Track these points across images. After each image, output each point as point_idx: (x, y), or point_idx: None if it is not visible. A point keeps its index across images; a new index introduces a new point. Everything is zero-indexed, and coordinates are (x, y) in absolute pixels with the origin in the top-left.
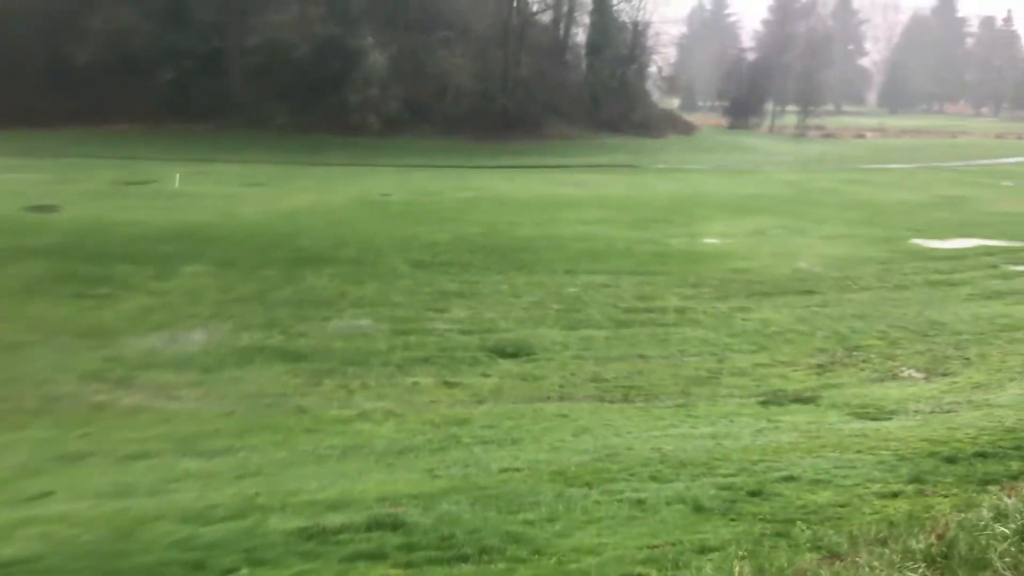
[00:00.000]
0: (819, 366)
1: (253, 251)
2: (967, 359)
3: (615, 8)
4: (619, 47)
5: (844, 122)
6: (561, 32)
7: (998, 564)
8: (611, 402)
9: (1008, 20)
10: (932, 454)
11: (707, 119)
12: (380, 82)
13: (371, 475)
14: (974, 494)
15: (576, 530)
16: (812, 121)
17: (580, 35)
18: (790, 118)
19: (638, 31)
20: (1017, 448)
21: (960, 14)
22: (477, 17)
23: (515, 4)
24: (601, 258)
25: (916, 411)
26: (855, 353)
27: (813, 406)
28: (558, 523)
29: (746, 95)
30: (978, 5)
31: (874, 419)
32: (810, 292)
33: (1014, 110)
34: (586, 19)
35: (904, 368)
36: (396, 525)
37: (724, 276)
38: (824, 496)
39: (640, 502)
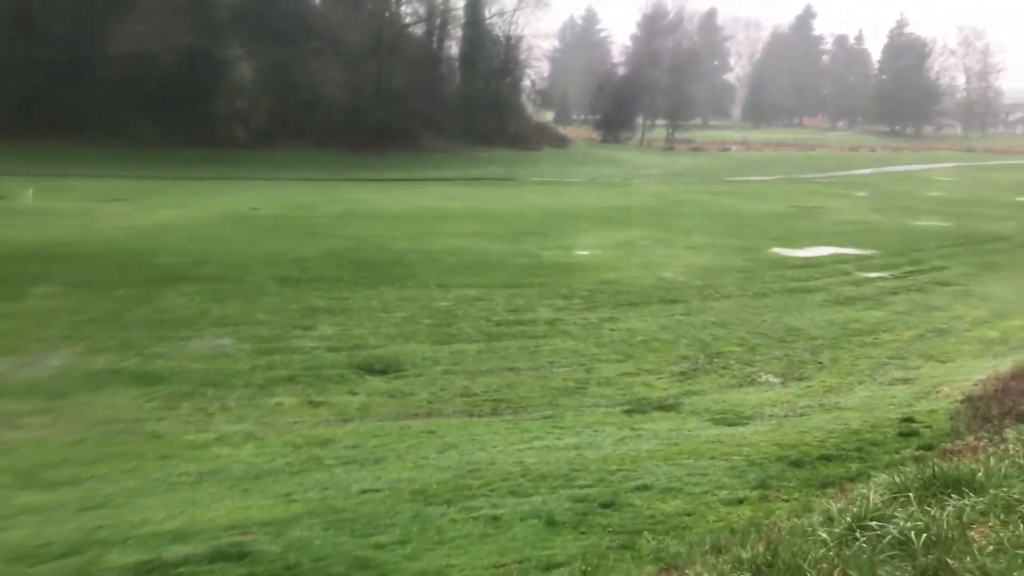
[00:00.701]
0: (682, 373)
1: (109, 270)
2: (820, 363)
3: (487, 21)
4: (492, 60)
5: (711, 135)
6: (435, 44)
7: (811, 573)
8: (480, 416)
9: (860, 38)
10: (781, 458)
11: (580, 132)
12: (248, 93)
13: (224, 502)
14: (814, 497)
15: (426, 552)
16: (681, 135)
17: (454, 48)
18: (660, 132)
19: (511, 45)
20: (859, 450)
21: (816, 32)
22: (349, 29)
23: (387, 16)
24: (475, 271)
25: (771, 415)
26: (716, 360)
27: (675, 413)
28: (410, 545)
29: (617, 109)
30: (833, 24)
31: (731, 424)
32: (675, 301)
33: (867, 124)
34: (459, 32)
35: (762, 373)
36: (241, 555)
37: (594, 287)
38: (673, 505)
39: (495, 519)
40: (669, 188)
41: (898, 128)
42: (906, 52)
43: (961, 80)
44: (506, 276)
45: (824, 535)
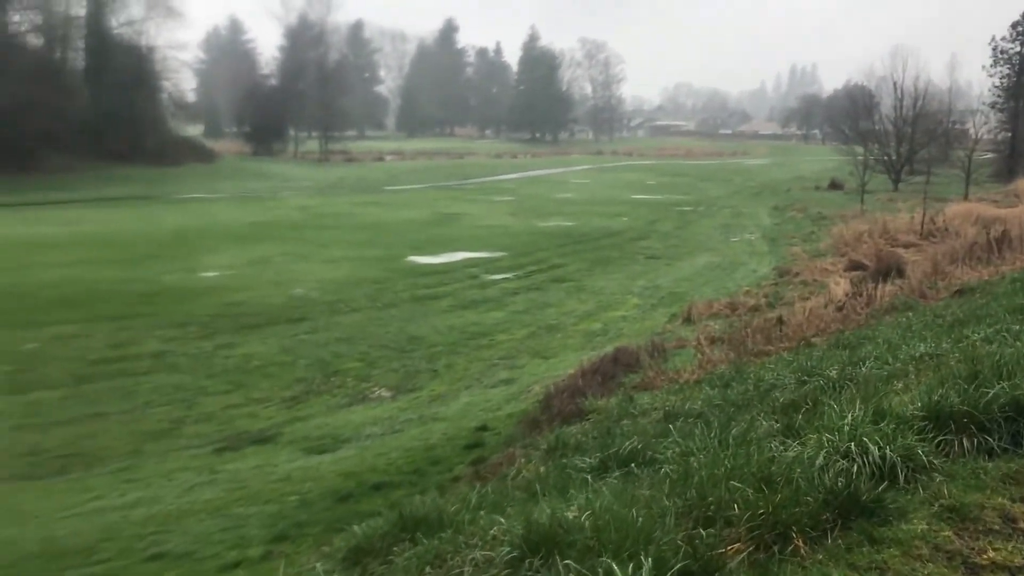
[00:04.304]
0: (293, 398)
1: None
2: (435, 371)
3: (115, 31)
4: (123, 72)
5: (366, 146)
6: (56, 55)
7: None
8: (41, 479)
9: (499, 51)
10: (334, 492)
11: (232, 146)
12: None
13: None
14: (321, 545)
15: None
16: (335, 146)
17: (80, 60)
18: (313, 144)
19: (143, 55)
20: (416, 471)
21: (460, 45)
22: None
23: None
24: (77, 305)
25: (369, 435)
26: (333, 379)
27: (271, 445)
28: None
29: (267, 121)
30: (474, 36)
31: (322, 452)
32: (301, 319)
33: (511, 132)
34: (82, 43)
35: (376, 388)
36: None
37: (216, 311)
38: None
39: None
40: (317, 201)
41: (538, 135)
42: (539, 64)
43: (589, 89)
44: (114, 308)
45: None
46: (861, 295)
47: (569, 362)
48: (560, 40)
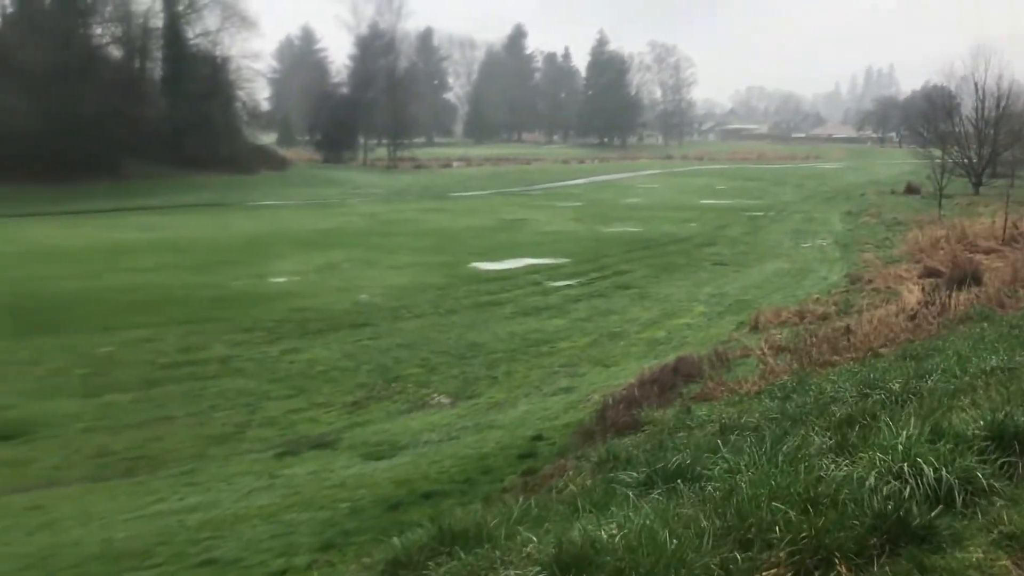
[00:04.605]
0: (354, 404)
1: None
2: (495, 378)
3: (191, 42)
4: (198, 82)
5: (434, 153)
6: (136, 66)
7: None
8: (109, 480)
9: (567, 56)
10: (386, 501)
11: (304, 154)
12: None
13: None
14: (362, 557)
15: None
16: (403, 153)
17: (158, 70)
18: (382, 151)
19: (218, 65)
20: (467, 480)
21: (528, 51)
22: (30, 53)
23: (75, 37)
24: (150, 310)
25: (426, 442)
26: (393, 384)
27: (330, 451)
28: None
29: (337, 129)
30: (542, 42)
31: (379, 458)
32: (364, 325)
33: (578, 137)
34: (160, 53)
35: (435, 395)
36: None
37: (283, 316)
38: None
39: None
40: (384, 207)
41: (606, 140)
42: (608, 68)
43: (658, 93)
44: (186, 312)
45: None
46: (934, 303)
47: (631, 370)
48: (629, 44)
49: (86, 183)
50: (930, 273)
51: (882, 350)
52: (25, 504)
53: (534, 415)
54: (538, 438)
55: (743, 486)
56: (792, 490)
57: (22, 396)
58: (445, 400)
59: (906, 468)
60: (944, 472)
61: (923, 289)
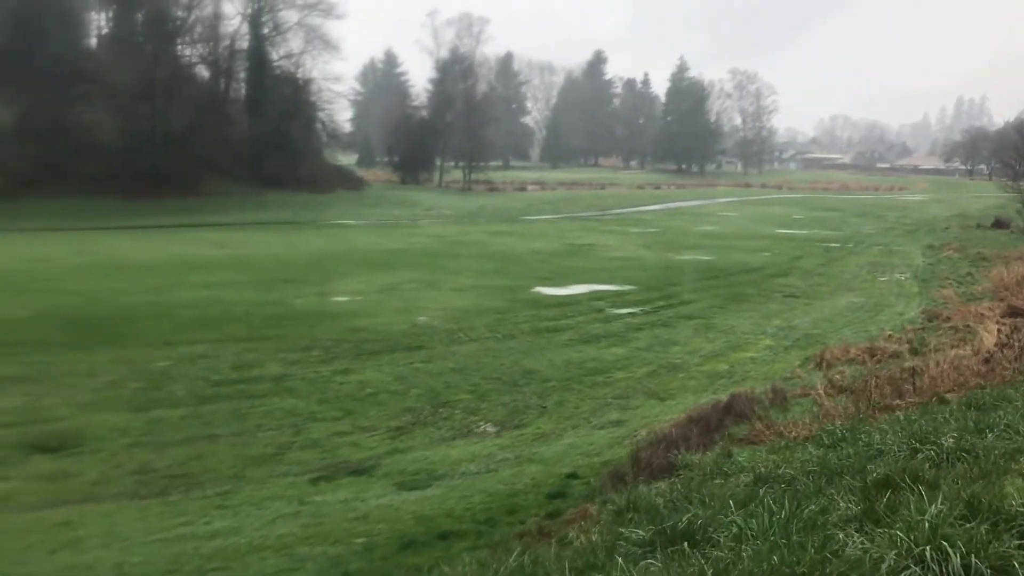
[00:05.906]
0: (398, 428)
1: None
2: (544, 407)
3: (275, 64)
4: (280, 102)
5: (510, 176)
6: (221, 86)
7: None
8: (144, 498)
9: (646, 82)
10: (400, 538)
11: (382, 175)
12: (7, 140)
13: None
14: None
15: None
16: (479, 176)
17: (242, 90)
18: (459, 173)
19: (299, 86)
20: (489, 520)
21: (608, 76)
22: (120, 71)
23: (164, 57)
24: (211, 325)
25: (463, 473)
26: (441, 410)
27: (366, 477)
28: None
29: (415, 151)
30: (622, 68)
31: (412, 488)
32: (419, 347)
33: (656, 163)
34: (244, 74)
35: (482, 423)
36: None
37: (340, 336)
38: None
39: None
40: (453, 229)
41: (684, 166)
42: (687, 95)
43: (738, 120)
44: (245, 329)
45: None
46: (1011, 346)
47: (686, 404)
48: (711, 71)
49: (166, 199)
50: (1013, 312)
51: (948, 395)
52: (56, 520)
53: (576, 449)
54: (573, 476)
55: (745, 558)
56: (796, 570)
57: (74, 408)
58: (491, 429)
59: (928, 552)
60: (974, 559)
61: (1000, 331)
